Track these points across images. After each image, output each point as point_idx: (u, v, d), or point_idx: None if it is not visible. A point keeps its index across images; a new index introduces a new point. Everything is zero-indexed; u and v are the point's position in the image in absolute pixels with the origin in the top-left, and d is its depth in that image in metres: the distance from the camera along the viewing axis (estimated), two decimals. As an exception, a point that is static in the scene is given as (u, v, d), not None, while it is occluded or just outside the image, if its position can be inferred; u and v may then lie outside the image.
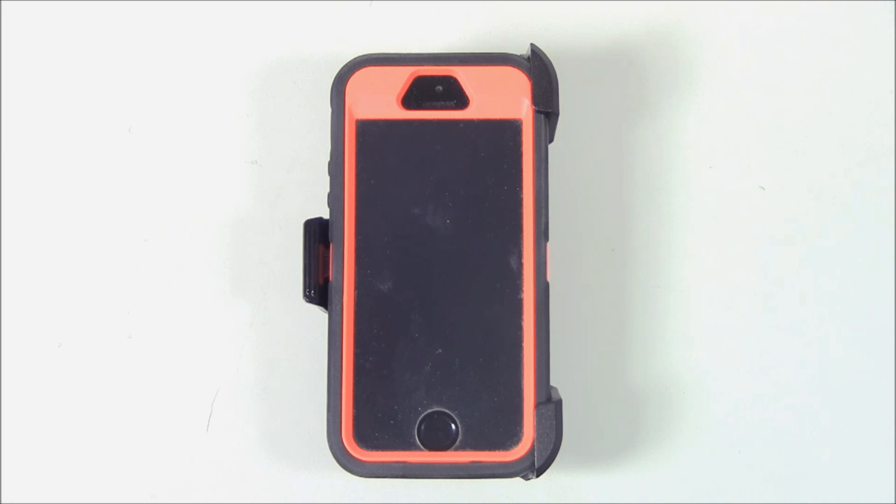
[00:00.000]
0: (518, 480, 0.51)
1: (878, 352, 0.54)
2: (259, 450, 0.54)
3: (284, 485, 0.53)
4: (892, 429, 0.54)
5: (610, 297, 0.54)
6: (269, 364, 0.54)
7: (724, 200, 0.54)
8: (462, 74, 0.51)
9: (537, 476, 0.50)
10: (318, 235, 0.51)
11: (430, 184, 0.51)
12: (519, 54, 0.52)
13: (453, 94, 0.51)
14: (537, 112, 0.51)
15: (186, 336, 0.54)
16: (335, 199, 0.51)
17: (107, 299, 0.54)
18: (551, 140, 0.52)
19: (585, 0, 0.55)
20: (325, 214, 0.51)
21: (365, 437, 0.50)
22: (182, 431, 0.54)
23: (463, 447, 0.50)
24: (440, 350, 0.50)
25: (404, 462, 0.50)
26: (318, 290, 0.51)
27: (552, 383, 0.51)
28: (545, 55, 0.51)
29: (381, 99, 0.51)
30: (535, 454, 0.50)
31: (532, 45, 0.51)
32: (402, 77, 0.51)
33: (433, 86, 0.51)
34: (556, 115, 0.51)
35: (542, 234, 0.51)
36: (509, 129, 0.51)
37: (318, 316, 0.52)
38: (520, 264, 0.51)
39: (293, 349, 0.54)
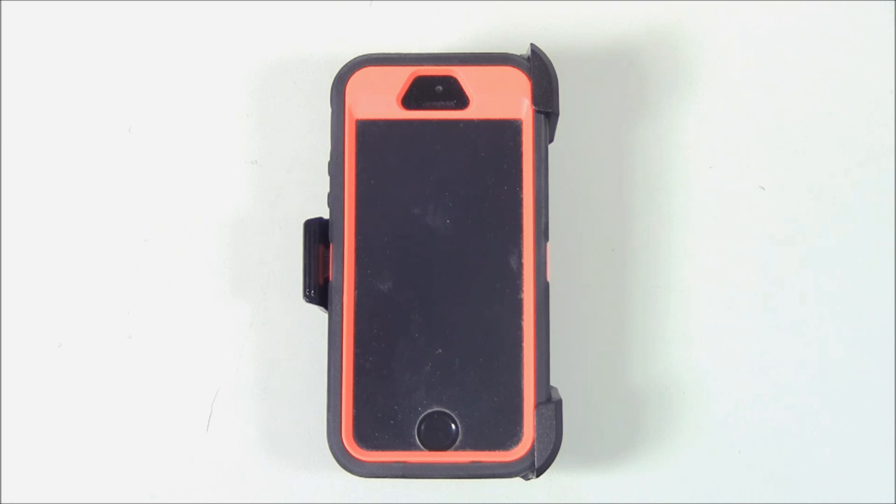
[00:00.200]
0: (518, 480, 0.51)
1: (878, 352, 0.54)
2: (259, 450, 0.54)
3: (284, 485, 0.53)
4: (892, 429, 0.54)
5: (610, 297, 0.54)
6: (269, 364, 0.54)
7: (724, 200, 0.54)
8: (462, 74, 0.51)
9: (537, 476, 0.50)
10: (318, 235, 0.51)
11: (430, 184, 0.51)
12: (519, 54, 0.52)
13: (453, 94, 0.51)
14: (537, 112, 0.51)
15: (186, 336, 0.54)
16: (335, 199, 0.51)
17: (107, 299, 0.54)
18: (551, 140, 0.52)
19: (585, 0, 0.55)
20: (325, 214, 0.51)
21: (365, 437, 0.50)
22: (182, 431, 0.54)
23: (463, 447, 0.50)
24: (440, 350, 0.50)
25: (404, 462, 0.50)
26: (318, 290, 0.51)
27: (552, 383, 0.51)
28: (545, 55, 0.51)
29: (381, 99, 0.51)
30: (535, 454, 0.50)
31: (532, 45, 0.51)
32: (402, 77, 0.51)
33: (433, 86, 0.51)
34: (556, 115, 0.51)
35: (542, 234, 0.51)
36: (509, 129, 0.51)
37: (318, 316, 0.52)
38: (520, 264, 0.51)
39: (293, 349, 0.54)
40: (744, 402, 0.54)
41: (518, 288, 0.50)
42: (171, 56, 0.55)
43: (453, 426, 0.50)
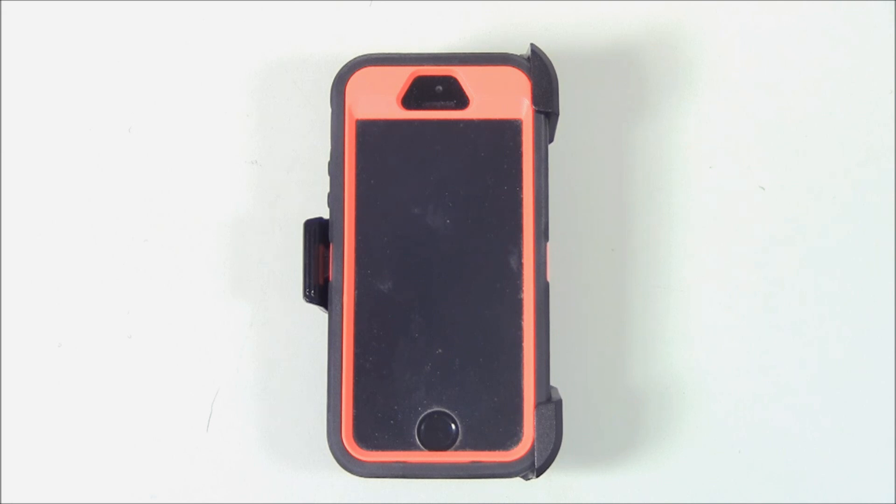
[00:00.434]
0: (518, 480, 0.51)
1: (878, 352, 0.54)
2: (259, 450, 0.54)
3: (284, 485, 0.53)
4: (892, 429, 0.54)
5: (610, 297, 0.54)
6: (269, 364, 0.54)
7: (724, 200, 0.54)
8: (462, 74, 0.51)
9: (537, 476, 0.50)
10: (318, 235, 0.51)
11: (430, 184, 0.51)
12: (519, 54, 0.52)
13: (453, 94, 0.51)
14: (537, 112, 0.51)
15: (186, 336, 0.54)
16: (335, 199, 0.51)
17: (107, 299, 0.54)
18: (551, 140, 0.52)
19: (585, 0, 0.55)
20: (325, 214, 0.51)
21: (365, 437, 0.50)
22: (182, 431, 0.54)
23: (463, 447, 0.50)
24: (440, 350, 0.50)
25: (404, 462, 0.50)
26: (318, 290, 0.51)
27: (552, 383, 0.51)
28: (545, 55, 0.51)
29: (381, 99, 0.51)
30: (535, 454, 0.50)
31: (532, 45, 0.51)
32: (402, 77, 0.51)
33: (433, 86, 0.51)
34: (556, 115, 0.51)
35: (542, 234, 0.51)
36: (509, 129, 0.51)
37: (318, 316, 0.52)
38: (520, 264, 0.51)
39: (293, 349, 0.54)
40: (744, 402, 0.54)
41: (518, 288, 0.50)
42: (171, 56, 0.55)
43: (453, 426, 0.50)
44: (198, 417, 0.54)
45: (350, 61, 0.52)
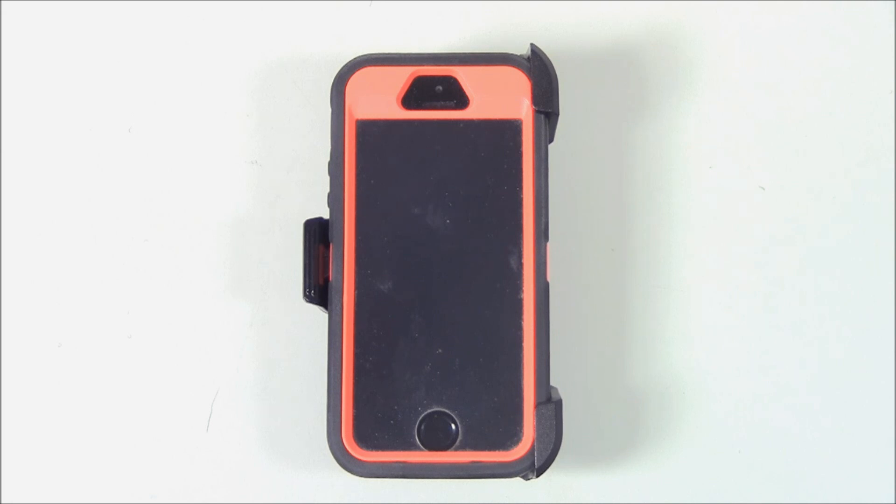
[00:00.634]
0: (518, 480, 0.51)
1: (878, 352, 0.54)
2: (259, 450, 0.54)
3: (284, 485, 0.53)
4: (892, 429, 0.54)
5: (610, 297, 0.54)
6: (269, 364, 0.54)
7: (724, 200, 0.54)
8: (462, 74, 0.51)
9: (537, 476, 0.50)
10: (318, 235, 0.51)
11: (430, 184, 0.51)
12: (519, 54, 0.52)
13: (453, 94, 0.51)
14: (537, 112, 0.51)
15: (186, 336, 0.54)
16: (335, 199, 0.51)
17: (107, 299, 0.54)
18: (551, 140, 0.52)
19: (585, 0, 0.55)
20: (325, 214, 0.51)
21: (365, 437, 0.50)
22: (182, 431, 0.54)
23: (463, 447, 0.50)
24: (440, 350, 0.50)
25: (404, 462, 0.50)
26: (318, 290, 0.51)
27: (552, 383, 0.51)
28: (545, 55, 0.51)
29: (381, 99, 0.51)
30: (535, 454, 0.50)
31: (532, 45, 0.51)
32: (402, 77, 0.51)
33: (433, 86, 0.51)
34: (556, 115, 0.51)
35: (542, 234, 0.51)
36: (509, 129, 0.51)
37: (318, 316, 0.52)
38: (520, 264, 0.51)
39: (293, 349, 0.54)
40: (744, 402, 0.54)
41: (518, 288, 0.50)
42: (171, 56, 0.55)
43: (453, 426, 0.50)
44: (198, 417, 0.54)
45: (350, 61, 0.52)
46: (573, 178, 0.54)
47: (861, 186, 0.54)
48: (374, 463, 0.50)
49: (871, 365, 0.54)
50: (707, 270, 0.54)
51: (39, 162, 0.55)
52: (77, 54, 0.55)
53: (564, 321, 0.53)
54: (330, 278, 0.51)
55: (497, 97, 0.51)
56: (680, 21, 0.55)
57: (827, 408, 0.54)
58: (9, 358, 0.54)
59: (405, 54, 0.52)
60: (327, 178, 0.51)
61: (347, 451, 0.50)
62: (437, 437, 0.50)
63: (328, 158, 0.51)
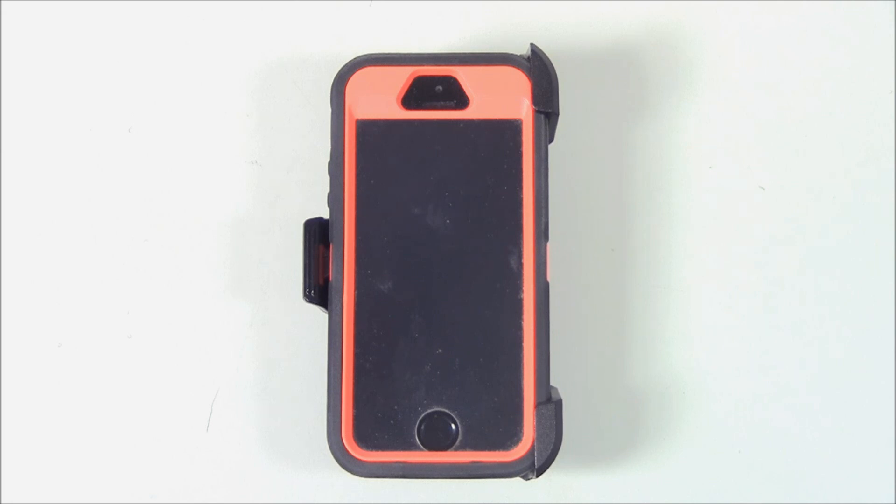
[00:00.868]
0: (518, 480, 0.51)
1: (878, 352, 0.54)
2: (259, 450, 0.54)
3: (284, 485, 0.53)
4: (892, 429, 0.54)
5: (610, 297, 0.54)
6: (269, 364, 0.54)
7: (724, 200, 0.54)
8: (462, 74, 0.51)
9: (537, 476, 0.50)
10: (318, 235, 0.51)
11: (430, 184, 0.51)
12: (519, 54, 0.52)
13: (453, 94, 0.51)
14: (537, 112, 0.51)
15: (186, 336, 0.54)
16: (335, 199, 0.51)
17: (107, 299, 0.54)
18: (551, 140, 0.52)
19: (585, 0, 0.55)
20: (325, 214, 0.51)
21: (365, 437, 0.50)
22: (182, 431, 0.54)
23: (463, 447, 0.50)
24: (440, 350, 0.50)
25: (404, 462, 0.50)
26: (318, 290, 0.51)
27: (552, 383, 0.51)
28: (545, 55, 0.51)
29: (381, 99, 0.51)
30: (535, 454, 0.50)
31: (532, 45, 0.51)
32: (402, 77, 0.51)
33: (433, 86, 0.51)
34: (556, 115, 0.51)
35: (542, 234, 0.51)
36: (509, 129, 0.51)
37: (318, 316, 0.52)
38: (520, 264, 0.51)
39: (293, 349, 0.54)
40: (744, 402, 0.54)
41: (518, 288, 0.50)
42: (171, 56, 0.55)
43: (453, 426, 0.50)
44: (198, 417, 0.54)
45: (350, 61, 0.52)
46: (573, 178, 0.54)
47: (861, 186, 0.54)
48: (374, 463, 0.50)
49: (871, 365, 0.54)
50: (707, 270, 0.54)
51: (39, 162, 0.55)
52: (77, 54, 0.55)
53: (564, 321, 0.53)
54: (330, 278, 0.51)
55: (497, 97, 0.51)
56: (680, 21, 0.55)
57: (827, 408, 0.54)
58: (9, 358, 0.54)
59: (405, 54, 0.52)
60: (327, 178, 0.51)
61: (347, 451, 0.50)
62: (437, 437, 0.50)
63: (328, 158, 0.51)
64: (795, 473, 0.54)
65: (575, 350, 0.53)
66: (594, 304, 0.54)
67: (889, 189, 0.54)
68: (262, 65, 0.55)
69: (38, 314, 0.54)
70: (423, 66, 0.51)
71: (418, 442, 0.50)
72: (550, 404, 0.50)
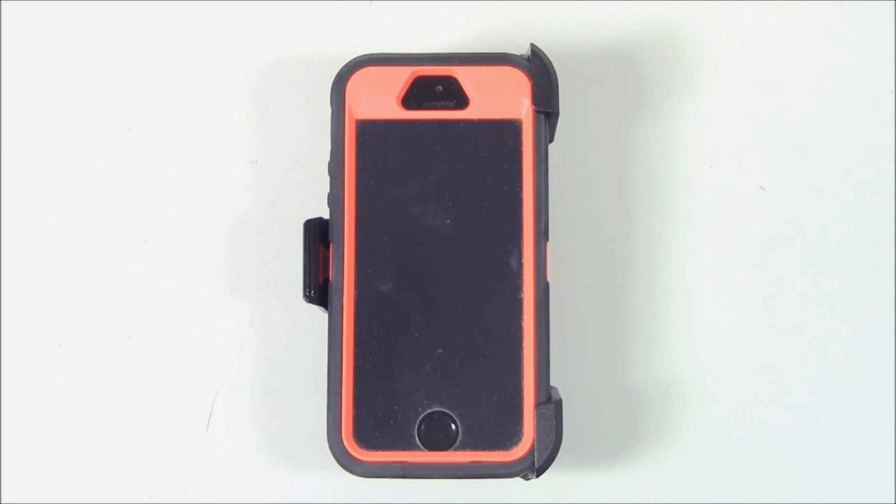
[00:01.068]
0: (518, 480, 0.51)
1: (878, 352, 0.54)
2: (259, 450, 0.54)
3: (284, 485, 0.53)
4: (892, 429, 0.54)
5: (610, 297, 0.54)
6: (269, 364, 0.54)
7: (724, 200, 0.54)
8: (462, 74, 0.51)
9: (537, 476, 0.50)
10: (318, 235, 0.51)
11: (430, 184, 0.51)
12: (519, 54, 0.52)
13: (453, 94, 0.51)
14: (537, 112, 0.51)
15: (186, 336, 0.54)
16: (335, 199, 0.51)
17: (107, 299, 0.54)
18: (551, 140, 0.52)
19: (585, 0, 0.55)
20: (325, 214, 0.51)
21: (365, 437, 0.50)
22: (182, 431, 0.54)
23: (463, 447, 0.50)
24: (440, 350, 0.50)
25: (404, 462, 0.50)
26: (318, 290, 0.51)
27: (552, 383, 0.51)
28: (545, 55, 0.51)
29: (381, 99, 0.51)
30: (535, 454, 0.50)
31: (532, 45, 0.51)
32: (402, 77, 0.51)
33: (433, 86, 0.51)
34: (556, 115, 0.51)
35: (542, 234, 0.51)
36: (509, 129, 0.51)
37: (318, 316, 0.52)
38: (520, 264, 0.51)
39: (293, 349, 0.54)
40: (744, 402, 0.54)
41: (518, 288, 0.50)
42: (171, 56, 0.55)
43: (453, 426, 0.50)
44: (198, 417, 0.54)
45: (350, 61, 0.52)
46: (573, 178, 0.54)
47: (861, 186, 0.54)
48: (374, 463, 0.50)
49: (871, 365, 0.54)
50: (707, 270, 0.54)
51: (39, 162, 0.55)
52: (77, 54, 0.55)
53: (564, 321, 0.53)
54: (330, 278, 0.51)
55: (497, 97, 0.51)
56: (680, 21, 0.55)
57: (827, 408, 0.54)
58: (9, 358, 0.54)
59: (405, 54, 0.52)
60: (327, 178, 0.51)
61: (347, 451, 0.50)
62: (437, 437, 0.50)
63: (328, 158, 0.51)
64: (795, 473, 0.54)
65: (575, 350, 0.53)
66: (594, 304, 0.54)
67: (889, 189, 0.54)
68: (262, 65, 0.55)
69: (38, 314, 0.54)
70: (423, 66, 0.51)
71: (418, 442, 0.50)
72: (550, 404, 0.50)
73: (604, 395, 0.54)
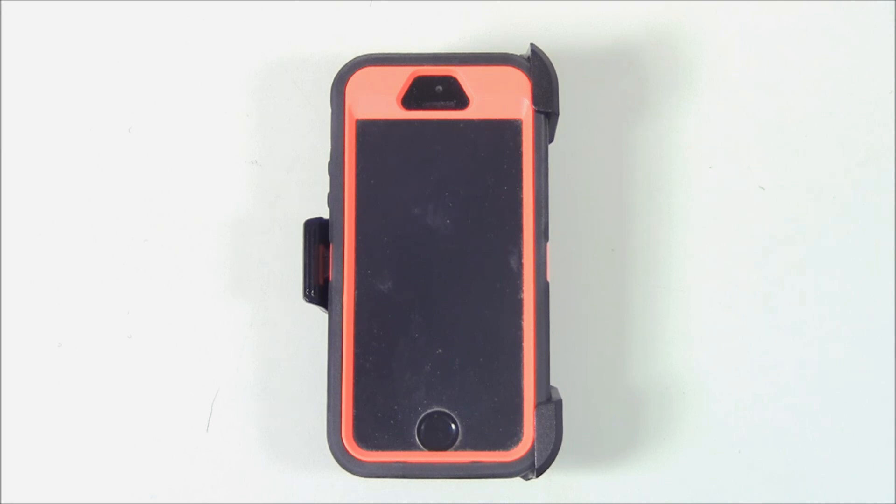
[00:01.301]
0: (518, 480, 0.51)
1: (878, 352, 0.54)
2: (259, 450, 0.54)
3: (284, 485, 0.53)
4: (892, 429, 0.54)
5: (610, 297, 0.54)
6: (269, 364, 0.54)
7: (724, 200, 0.54)
8: (462, 74, 0.51)
9: (537, 476, 0.50)
10: (318, 235, 0.51)
11: (430, 184, 0.51)
12: (519, 54, 0.52)
13: (453, 94, 0.51)
14: (537, 112, 0.51)
15: (186, 336, 0.54)
16: (335, 199, 0.51)
17: (107, 299, 0.54)
18: (551, 140, 0.52)
19: (585, 0, 0.55)
20: (325, 214, 0.51)
21: (365, 437, 0.50)
22: (182, 431, 0.54)
23: (463, 447, 0.50)
24: (440, 350, 0.50)
25: (404, 462, 0.50)
26: (318, 290, 0.51)
27: (552, 383, 0.51)
28: (545, 55, 0.51)
29: (381, 99, 0.51)
30: (535, 454, 0.50)
31: (532, 45, 0.51)
32: (402, 77, 0.51)
33: (433, 86, 0.51)
34: (556, 115, 0.51)
35: (542, 234, 0.51)
36: (509, 129, 0.51)
37: (318, 316, 0.52)
38: (520, 264, 0.51)
39: (293, 349, 0.54)
40: (744, 402, 0.54)
41: (518, 288, 0.50)
42: (171, 56, 0.55)
43: (453, 426, 0.50)
44: (198, 417, 0.54)
45: (350, 61, 0.52)
46: (573, 178, 0.54)
47: (861, 186, 0.54)
48: (374, 463, 0.50)
49: (871, 365, 0.54)
50: (707, 270, 0.54)
51: (39, 162, 0.55)
52: (77, 54, 0.55)
53: (564, 321, 0.53)
54: (330, 278, 0.51)
55: (497, 97, 0.51)
56: (680, 21, 0.55)
57: (827, 408, 0.54)
58: (9, 358, 0.54)
59: (405, 54, 0.52)
60: (327, 178, 0.51)
61: (347, 451, 0.50)
62: (437, 437, 0.50)
63: (328, 158, 0.51)
64: (795, 473, 0.54)
65: (575, 350, 0.53)
66: (594, 304, 0.54)
67: (889, 189, 0.54)
68: (262, 65, 0.55)
69: (38, 314, 0.54)
70: (423, 66, 0.51)
71: (418, 442, 0.50)
72: (550, 404, 0.50)
73: (604, 395, 0.54)
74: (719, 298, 0.54)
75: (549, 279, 0.51)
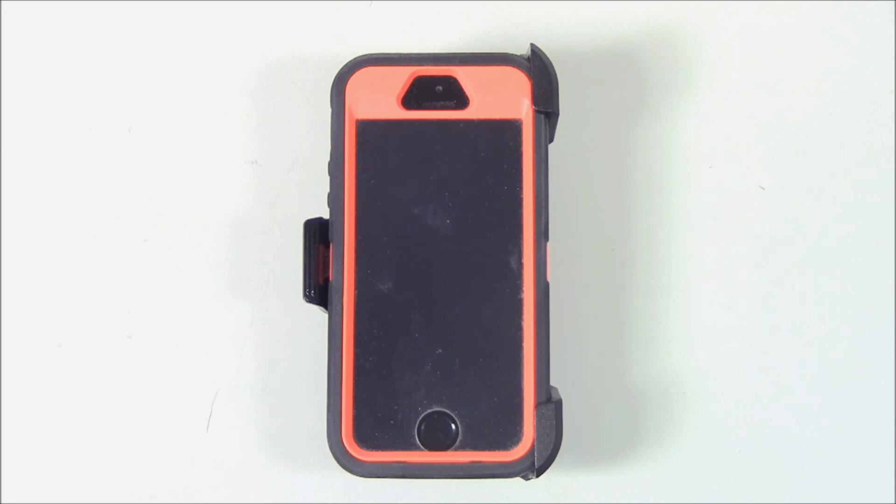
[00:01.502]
0: (518, 480, 0.51)
1: (878, 352, 0.54)
2: (259, 450, 0.54)
3: (284, 485, 0.53)
4: (892, 429, 0.54)
5: (610, 297, 0.54)
6: (269, 364, 0.54)
7: (724, 200, 0.54)
8: (462, 74, 0.51)
9: (537, 476, 0.50)
10: (318, 235, 0.51)
11: (430, 184, 0.51)
12: (519, 54, 0.52)
13: (453, 94, 0.51)
14: (537, 112, 0.51)
15: (186, 336, 0.54)
16: (335, 199, 0.51)
17: (107, 299, 0.54)
18: (551, 140, 0.52)
19: (585, 0, 0.55)
20: (325, 214, 0.51)
21: (365, 437, 0.50)
22: (182, 431, 0.54)
23: (463, 447, 0.50)
24: (440, 350, 0.50)
25: (404, 462, 0.50)
26: (318, 290, 0.51)
27: (552, 383, 0.51)
28: (545, 55, 0.51)
29: (381, 99, 0.51)
30: (535, 454, 0.50)
31: (532, 45, 0.51)
32: (402, 77, 0.51)
33: (433, 86, 0.51)
34: (556, 115, 0.51)
35: (542, 234, 0.51)
36: (509, 129, 0.51)
37: (318, 316, 0.52)
38: (520, 264, 0.51)
39: (293, 349, 0.54)
40: (744, 402, 0.54)
41: (518, 288, 0.50)
42: (171, 56, 0.55)
43: (453, 426, 0.50)
44: (198, 417, 0.54)
45: (350, 61, 0.52)
46: (573, 178, 0.54)
47: (861, 186, 0.54)
48: (374, 463, 0.50)
49: (871, 365, 0.54)
50: (707, 270, 0.54)
51: (39, 162, 0.55)
52: (77, 54, 0.55)
53: (564, 321, 0.53)
54: (330, 278, 0.51)
55: (497, 97, 0.51)
56: (680, 21, 0.55)
57: (827, 408, 0.54)
58: (9, 358, 0.54)
59: (405, 54, 0.52)
60: (327, 178, 0.51)
61: (347, 451, 0.50)
62: (437, 437, 0.50)
63: (328, 158, 0.51)
64: (795, 473, 0.54)
65: (575, 350, 0.53)
66: (594, 304, 0.54)
67: (889, 189, 0.54)
68: (262, 65, 0.55)
69: (38, 314, 0.54)
70: (423, 66, 0.51)
71: (418, 442, 0.50)
72: (550, 404, 0.50)
73: (604, 395, 0.54)
74: (719, 298, 0.54)
75: (549, 279, 0.51)
